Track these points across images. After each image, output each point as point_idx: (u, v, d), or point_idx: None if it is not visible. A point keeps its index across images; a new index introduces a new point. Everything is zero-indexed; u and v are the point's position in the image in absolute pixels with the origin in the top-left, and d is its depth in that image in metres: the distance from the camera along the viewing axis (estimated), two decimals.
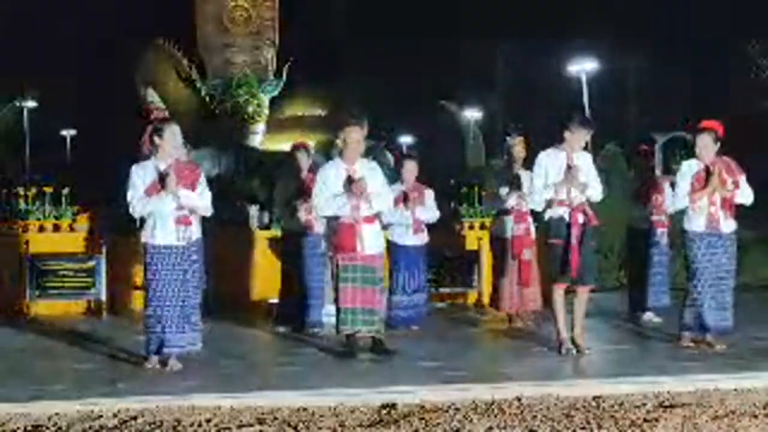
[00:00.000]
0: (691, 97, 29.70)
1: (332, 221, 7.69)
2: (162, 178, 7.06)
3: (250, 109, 15.50)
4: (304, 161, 9.33)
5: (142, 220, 7.31)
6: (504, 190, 9.33)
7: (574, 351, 7.72)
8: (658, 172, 10.24)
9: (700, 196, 7.80)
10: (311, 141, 16.17)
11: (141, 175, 7.13)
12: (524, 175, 9.23)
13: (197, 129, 14.50)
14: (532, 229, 9.32)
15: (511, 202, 9.28)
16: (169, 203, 7.08)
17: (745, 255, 14.57)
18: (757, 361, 7.33)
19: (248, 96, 15.48)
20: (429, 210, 9.39)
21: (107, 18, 31.48)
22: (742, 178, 7.92)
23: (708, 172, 7.78)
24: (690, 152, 8.11)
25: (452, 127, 17.13)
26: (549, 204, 7.78)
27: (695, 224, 7.87)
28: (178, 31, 16.38)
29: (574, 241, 7.64)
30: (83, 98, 32.17)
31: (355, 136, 7.67)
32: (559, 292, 7.83)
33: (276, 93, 15.96)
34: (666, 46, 34.41)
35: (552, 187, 7.71)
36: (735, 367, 7.05)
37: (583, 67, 32.70)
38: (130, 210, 7.15)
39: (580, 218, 7.71)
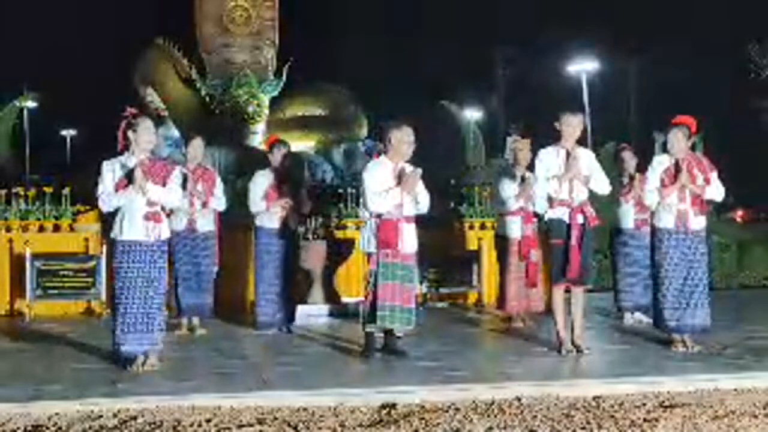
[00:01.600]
0: (691, 97, 29.67)
1: (374, 219, 7.68)
2: (131, 174, 7.06)
3: (250, 109, 15.50)
4: (279, 157, 9.33)
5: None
6: (512, 191, 9.32)
7: (575, 352, 7.73)
8: (631, 172, 10.11)
9: (670, 191, 7.79)
10: (311, 141, 16.21)
11: (111, 170, 7.13)
12: (531, 177, 9.22)
13: (197, 129, 14.51)
14: (545, 229, 9.33)
15: (520, 203, 9.27)
16: (138, 199, 7.07)
17: (745, 255, 14.63)
18: (757, 361, 7.33)
19: (248, 96, 15.47)
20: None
21: (108, 18, 31.49)
22: (714, 175, 7.91)
23: (677, 167, 7.78)
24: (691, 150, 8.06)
25: (452, 127, 17.11)
26: (549, 204, 7.79)
27: (665, 221, 7.86)
28: (178, 31, 16.38)
29: (574, 241, 7.65)
30: (83, 98, 32.18)
31: (407, 137, 7.71)
32: (559, 292, 7.84)
33: (276, 93, 15.94)
34: (666, 46, 34.42)
35: (555, 180, 7.71)
36: (735, 367, 7.05)
37: (583, 67, 32.73)
38: (99, 204, 7.16)
39: (580, 219, 7.71)
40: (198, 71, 15.69)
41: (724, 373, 6.84)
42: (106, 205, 7.14)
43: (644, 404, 6.01)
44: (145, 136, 7.13)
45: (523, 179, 9.29)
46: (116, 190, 7.08)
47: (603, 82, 33.48)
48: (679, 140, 7.83)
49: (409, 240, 7.70)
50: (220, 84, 15.61)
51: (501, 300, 9.56)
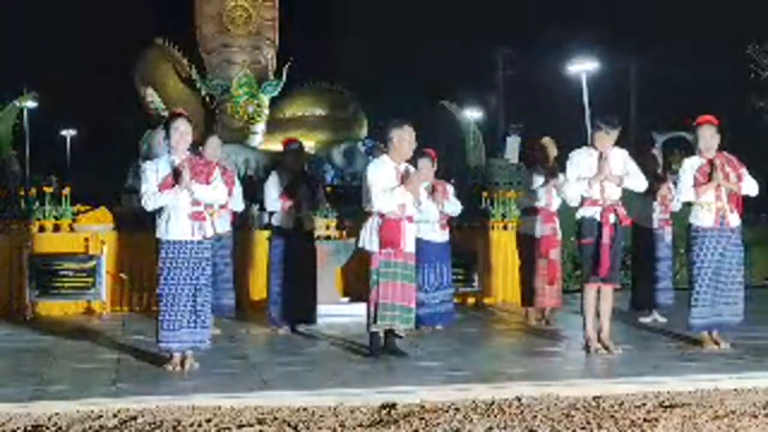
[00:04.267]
0: (691, 97, 29.69)
1: (375, 219, 7.66)
2: (176, 173, 7.08)
3: (250, 109, 15.51)
4: (291, 157, 9.32)
5: (153, 216, 7.30)
6: (540, 191, 9.36)
7: (603, 350, 7.73)
8: (658, 171, 10.21)
9: (705, 190, 7.79)
10: (311, 141, 16.22)
11: (154, 170, 7.14)
12: (554, 180, 9.25)
13: (197, 129, 14.54)
14: (558, 229, 9.38)
15: (541, 202, 9.32)
16: (184, 198, 7.09)
17: (745, 255, 14.60)
18: (757, 361, 7.34)
19: (248, 96, 15.48)
20: (454, 204, 9.40)
21: (108, 18, 31.51)
22: (744, 171, 7.93)
23: (712, 165, 7.78)
24: (689, 151, 8.11)
25: (452, 127, 17.14)
26: (581, 203, 7.77)
27: (702, 220, 7.86)
28: (178, 31, 16.38)
29: (606, 240, 7.60)
30: (83, 98, 32.19)
31: (408, 136, 7.69)
32: (591, 292, 7.80)
33: (276, 93, 15.95)
34: (666, 46, 34.42)
35: (586, 181, 7.67)
36: (735, 367, 7.06)
37: (583, 67, 32.71)
38: (143, 203, 7.15)
39: (612, 218, 7.67)
40: (198, 71, 15.69)
41: (724, 373, 6.85)
42: (150, 204, 7.12)
43: (644, 404, 6.00)
44: (175, 136, 7.16)
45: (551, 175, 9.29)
46: (160, 190, 7.08)
47: (603, 82, 33.44)
48: (708, 138, 7.84)
49: (410, 239, 7.71)
50: (220, 84, 15.61)
51: (529, 297, 9.61)
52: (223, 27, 15.81)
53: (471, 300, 11.67)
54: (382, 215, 7.61)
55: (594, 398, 6.19)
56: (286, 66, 15.94)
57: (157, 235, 7.21)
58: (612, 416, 5.67)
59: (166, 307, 7.12)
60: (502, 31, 36.46)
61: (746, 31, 28.39)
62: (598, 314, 7.88)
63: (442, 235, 9.30)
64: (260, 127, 15.70)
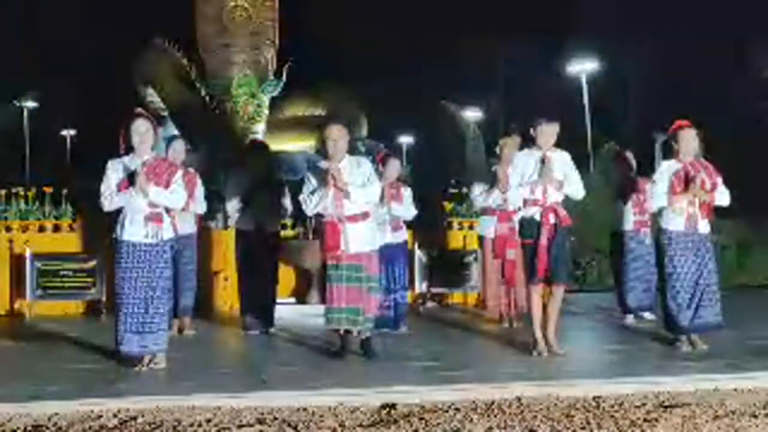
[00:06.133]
0: (691, 97, 29.69)
1: (320, 221, 7.68)
2: (134, 174, 7.07)
3: (250, 109, 15.49)
4: (255, 159, 9.31)
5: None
6: (479, 189, 9.42)
7: (546, 353, 7.69)
8: (630, 174, 10.12)
9: (681, 199, 7.79)
10: (311, 141, 16.21)
11: (115, 170, 7.15)
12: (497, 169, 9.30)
13: (197, 129, 14.53)
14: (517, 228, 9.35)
15: (489, 202, 9.34)
16: (139, 200, 7.08)
17: (745, 255, 14.62)
18: (757, 361, 7.33)
19: (248, 96, 15.47)
20: (405, 207, 9.32)
21: (107, 18, 31.50)
22: (719, 180, 7.92)
23: (687, 175, 7.77)
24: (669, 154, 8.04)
25: (452, 127, 17.13)
26: (524, 204, 7.76)
27: (674, 224, 7.86)
28: (178, 31, 16.37)
29: (543, 240, 7.58)
30: (83, 98, 32.19)
31: (334, 134, 7.60)
32: (536, 293, 7.79)
33: (276, 93, 15.94)
34: (666, 46, 34.42)
35: (527, 186, 7.67)
36: (735, 367, 7.05)
37: (583, 67, 32.72)
38: (101, 203, 7.16)
39: (552, 218, 7.64)
40: (198, 71, 15.67)
41: (724, 373, 6.85)
42: (107, 204, 7.15)
43: (644, 404, 6.00)
44: (135, 137, 7.13)
45: (493, 176, 9.31)
46: (119, 190, 7.10)
47: (603, 82, 33.46)
48: (688, 142, 7.83)
49: (356, 240, 7.56)
50: (220, 84, 15.60)
51: (484, 300, 9.69)
52: (223, 27, 15.78)
53: (471, 300, 11.68)
54: (322, 217, 7.58)
55: (594, 398, 6.19)
56: (286, 66, 15.92)
57: (114, 234, 7.21)
58: (612, 416, 5.67)
59: (122, 309, 7.10)
60: (502, 31, 36.47)
61: (746, 31, 28.40)
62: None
63: (395, 237, 9.22)
64: (260, 127, 15.68)
